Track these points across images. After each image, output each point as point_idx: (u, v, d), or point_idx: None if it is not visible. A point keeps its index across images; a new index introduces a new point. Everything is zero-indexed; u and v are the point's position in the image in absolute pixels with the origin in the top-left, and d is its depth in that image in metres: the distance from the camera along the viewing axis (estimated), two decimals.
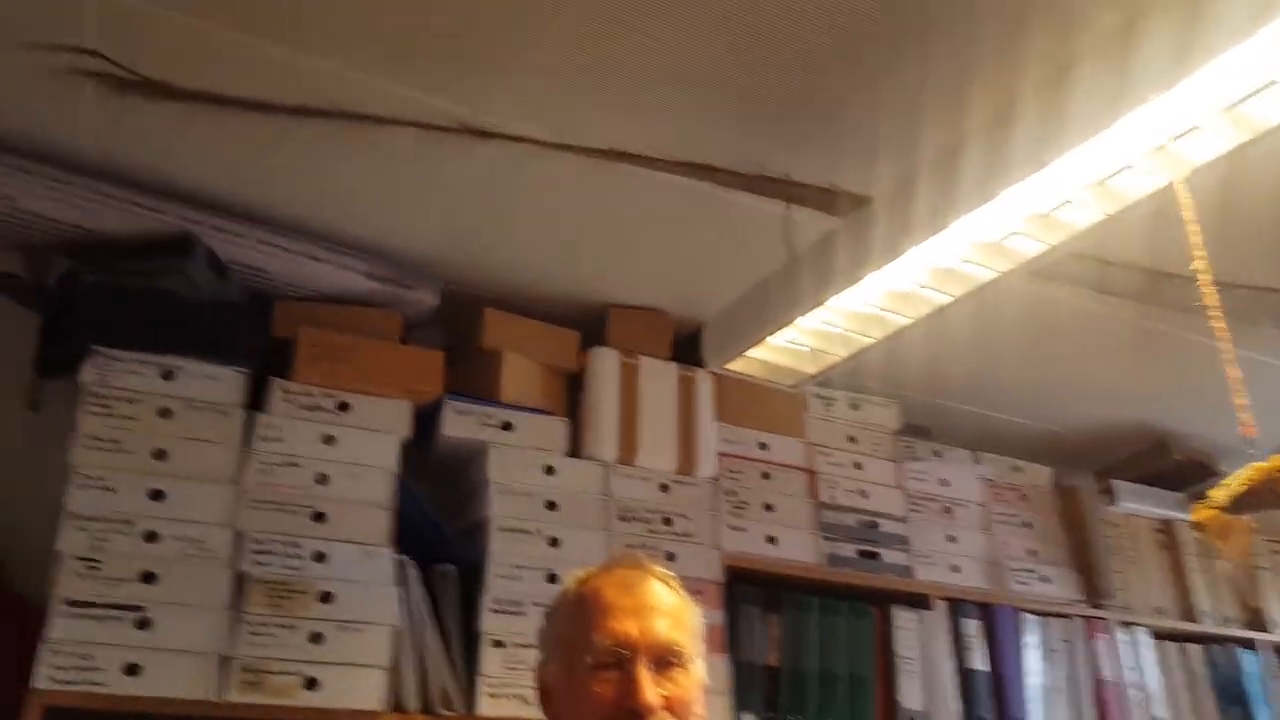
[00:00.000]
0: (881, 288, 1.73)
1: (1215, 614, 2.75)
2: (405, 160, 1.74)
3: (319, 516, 1.80)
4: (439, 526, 1.95)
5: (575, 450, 2.12)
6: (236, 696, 1.63)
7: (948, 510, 2.51)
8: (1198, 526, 1.42)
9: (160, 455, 1.72)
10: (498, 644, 1.85)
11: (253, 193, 1.86)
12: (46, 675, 1.54)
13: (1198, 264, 1.38)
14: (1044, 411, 2.75)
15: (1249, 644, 2.73)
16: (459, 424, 2.00)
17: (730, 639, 2.10)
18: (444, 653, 1.83)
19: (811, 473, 2.39)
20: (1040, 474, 2.72)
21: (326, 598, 1.74)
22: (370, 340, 1.95)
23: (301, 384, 1.88)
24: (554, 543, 1.98)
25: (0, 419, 1.85)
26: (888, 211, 1.65)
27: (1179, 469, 2.83)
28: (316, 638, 1.71)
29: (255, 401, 1.84)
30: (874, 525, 2.40)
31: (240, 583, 1.70)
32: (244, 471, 1.77)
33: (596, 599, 1.15)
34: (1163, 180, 1.40)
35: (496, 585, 1.90)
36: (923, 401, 2.67)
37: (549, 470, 2.05)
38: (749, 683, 2.09)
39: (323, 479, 1.83)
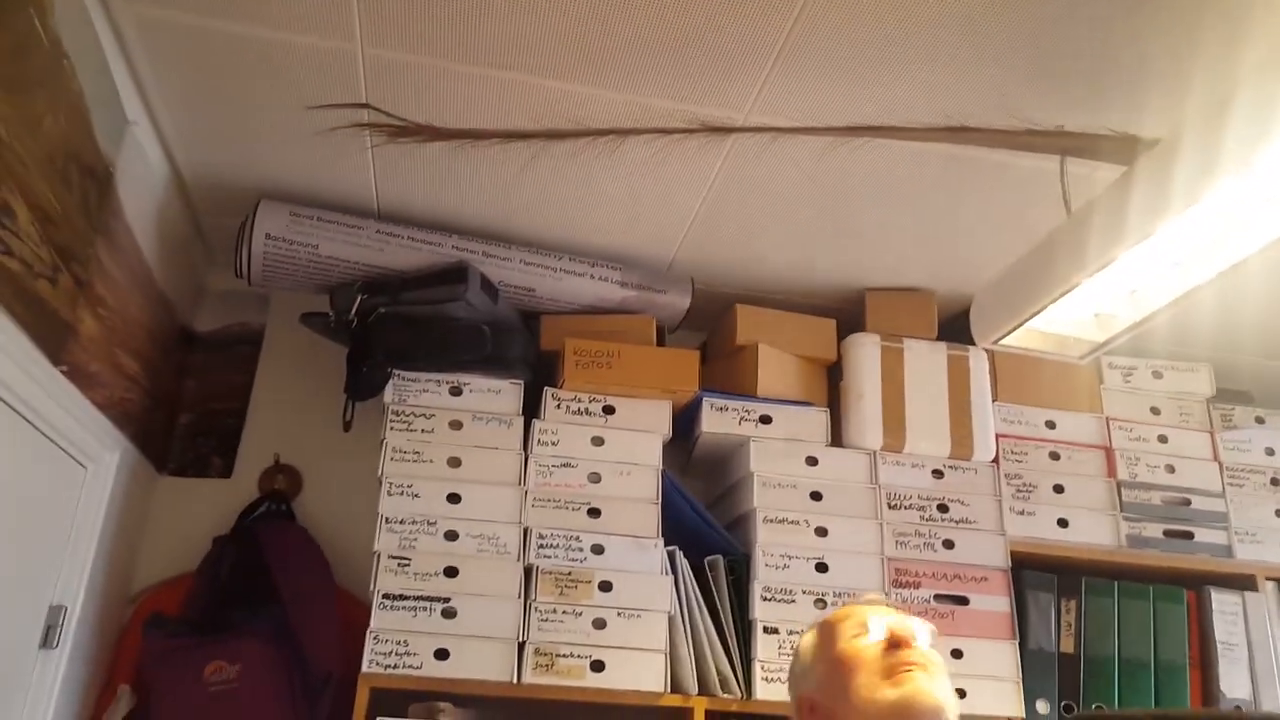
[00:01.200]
0: (1179, 238, 1.59)
1: None
2: (649, 167, 1.92)
3: (594, 512, 2.07)
4: (706, 519, 2.16)
5: (838, 440, 2.26)
6: (531, 678, 1.91)
7: (1275, 482, 2.42)
8: None
9: (455, 463, 2.06)
10: (770, 630, 2.03)
11: (514, 217, 2.15)
12: (371, 660, 1.89)
13: None
14: None
15: None
16: (717, 420, 2.21)
17: (1019, 626, 2.16)
18: (719, 639, 2.03)
19: (1108, 450, 2.39)
20: None
21: (606, 587, 2.00)
22: (628, 345, 2.19)
23: (570, 391, 2.16)
24: (821, 532, 2.14)
25: (322, 441, 2.28)
26: (1187, 150, 1.51)
27: None
28: (599, 624, 1.97)
29: (531, 409, 2.14)
30: (1186, 502, 2.36)
31: (529, 574, 2.00)
32: (526, 474, 2.08)
33: (836, 615, 1.32)
34: None
35: (765, 574, 2.08)
36: (1239, 363, 2.57)
37: (811, 461, 2.20)
38: (1041, 671, 2.14)
39: (595, 477, 2.10)
